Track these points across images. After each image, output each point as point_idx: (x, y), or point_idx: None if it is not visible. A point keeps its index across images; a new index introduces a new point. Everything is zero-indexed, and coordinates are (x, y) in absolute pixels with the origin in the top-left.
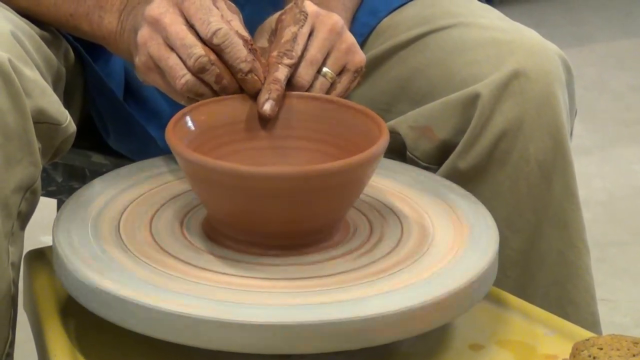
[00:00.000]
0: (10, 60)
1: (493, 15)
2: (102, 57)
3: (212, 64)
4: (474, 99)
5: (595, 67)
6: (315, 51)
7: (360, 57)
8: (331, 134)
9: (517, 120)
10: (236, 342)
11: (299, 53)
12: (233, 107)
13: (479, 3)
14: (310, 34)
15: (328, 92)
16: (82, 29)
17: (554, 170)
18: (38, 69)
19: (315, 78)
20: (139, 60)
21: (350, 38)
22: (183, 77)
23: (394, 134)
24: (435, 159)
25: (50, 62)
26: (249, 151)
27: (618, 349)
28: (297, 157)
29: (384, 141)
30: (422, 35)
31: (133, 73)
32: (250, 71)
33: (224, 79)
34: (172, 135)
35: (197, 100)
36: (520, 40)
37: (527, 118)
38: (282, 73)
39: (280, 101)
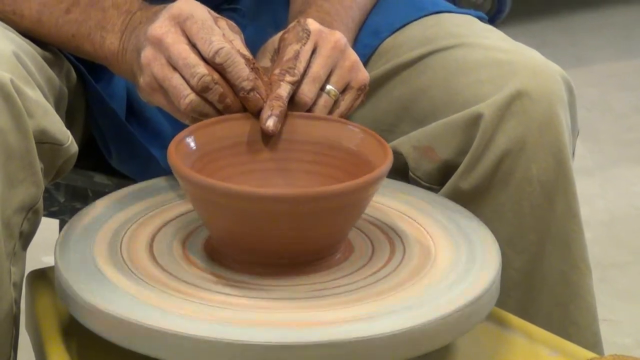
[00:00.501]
0: (12, 81)
1: (495, 36)
2: (105, 78)
3: (216, 83)
4: (477, 119)
5: (596, 87)
6: (318, 68)
7: (363, 75)
8: (335, 155)
9: (519, 141)
10: None
11: (302, 70)
12: (235, 127)
13: (481, 24)
14: (313, 52)
15: (332, 109)
16: (84, 49)
17: (556, 191)
18: (40, 89)
19: (318, 95)
20: (142, 80)
21: (353, 55)
22: (187, 97)
23: (396, 154)
24: (438, 180)
25: (52, 82)
26: (252, 171)
27: None
28: (300, 178)
29: (387, 164)
30: (425, 56)
31: (135, 93)
32: (252, 89)
33: (227, 98)
34: (173, 156)
35: (201, 120)
36: (522, 60)
37: (529, 138)
38: (284, 90)
39: (283, 117)
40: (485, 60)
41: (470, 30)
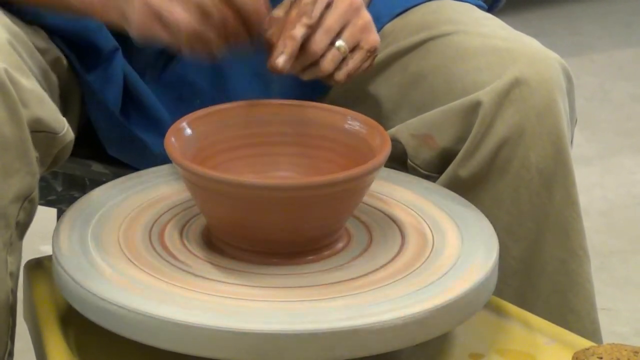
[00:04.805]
0: (6, 71)
1: (494, 24)
2: (101, 65)
3: (215, 6)
4: (475, 106)
5: (595, 76)
6: (332, 21)
7: (375, 37)
8: (337, 141)
9: (518, 128)
10: (234, 351)
11: (318, 15)
12: (235, 115)
13: (480, 11)
14: (329, 7)
15: (339, 66)
16: (72, 4)
17: (555, 178)
18: (34, 77)
19: (328, 49)
20: (135, 16)
21: (367, 16)
22: (188, 23)
23: (395, 142)
24: (436, 167)
25: (44, 70)
26: (253, 155)
27: (618, 358)
28: (301, 166)
29: (385, 153)
30: (424, 42)
31: (133, 80)
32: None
33: (229, 23)
34: (170, 144)
35: (203, 52)
36: (521, 48)
37: (528, 126)
38: (299, 31)
39: (294, 58)
40: (484, 47)
41: (469, 18)
